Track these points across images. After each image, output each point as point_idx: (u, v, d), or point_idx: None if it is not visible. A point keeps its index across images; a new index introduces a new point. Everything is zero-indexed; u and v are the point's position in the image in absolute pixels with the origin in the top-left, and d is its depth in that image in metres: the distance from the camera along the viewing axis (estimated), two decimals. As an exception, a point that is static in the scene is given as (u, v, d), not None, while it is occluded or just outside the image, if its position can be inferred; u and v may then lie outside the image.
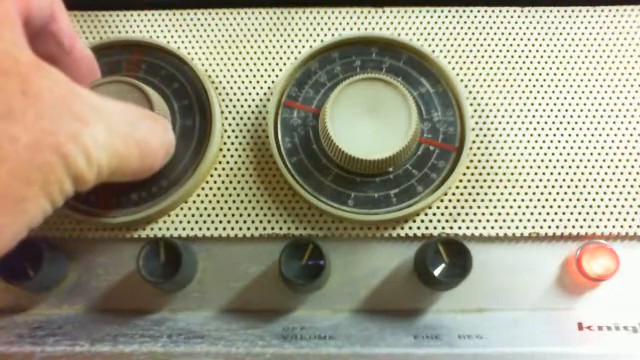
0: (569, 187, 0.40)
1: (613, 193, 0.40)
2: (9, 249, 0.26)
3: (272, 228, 0.40)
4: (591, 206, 0.40)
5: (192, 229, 0.40)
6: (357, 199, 0.40)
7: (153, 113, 0.37)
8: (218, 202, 0.41)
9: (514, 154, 0.41)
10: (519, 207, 0.40)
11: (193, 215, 0.40)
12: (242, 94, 0.43)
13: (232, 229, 0.40)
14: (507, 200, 0.40)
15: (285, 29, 0.44)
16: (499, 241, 0.40)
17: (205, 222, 0.40)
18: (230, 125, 0.42)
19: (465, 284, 0.37)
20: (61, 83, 0.27)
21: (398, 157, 0.38)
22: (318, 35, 0.44)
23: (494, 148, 0.41)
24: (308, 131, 0.41)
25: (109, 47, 0.43)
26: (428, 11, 0.44)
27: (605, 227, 0.40)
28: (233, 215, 0.40)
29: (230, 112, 0.42)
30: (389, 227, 0.40)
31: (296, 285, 0.37)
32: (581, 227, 0.40)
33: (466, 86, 0.43)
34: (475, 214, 0.40)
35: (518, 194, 0.40)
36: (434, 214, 0.40)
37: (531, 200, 0.40)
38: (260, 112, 0.42)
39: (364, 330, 0.37)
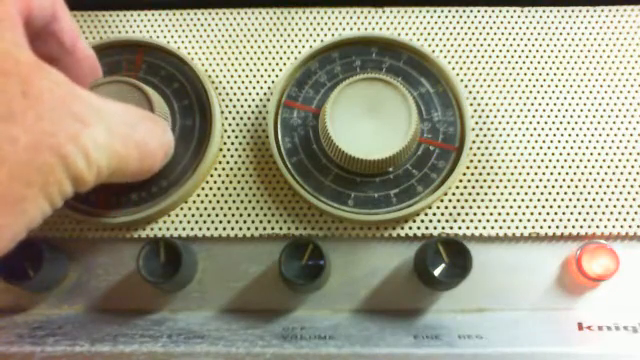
0: (569, 187, 0.40)
1: (613, 193, 0.40)
2: (8, 250, 0.26)
3: (272, 228, 0.40)
4: (591, 206, 0.40)
5: (192, 229, 0.40)
6: (357, 199, 0.40)
7: (153, 114, 0.37)
8: (218, 202, 0.41)
9: (514, 154, 0.41)
10: (519, 207, 0.40)
11: (193, 215, 0.40)
12: (242, 94, 0.43)
13: (232, 229, 0.40)
14: (507, 200, 0.40)
15: (285, 29, 0.44)
16: (499, 241, 0.40)
17: (205, 222, 0.40)
18: (230, 125, 0.42)
19: (465, 284, 0.37)
20: (61, 84, 0.27)
21: (398, 157, 0.38)
22: (318, 35, 0.44)
23: (494, 148, 0.41)
24: (308, 131, 0.41)
25: (109, 47, 0.43)
26: (428, 11, 0.44)
27: (605, 227, 0.40)
28: (233, 215, 0.40)
29: (230, 112, 0.42)
30: (389, 227, 0.40)
31: (296, 285, 0.37)
32: (581, 227, 0.40)
33: (466, 86, 0.43)
34: (475, 214, 0.40)
35: (518, 194, 0.40)
36: (434, 214, 0.40)
37: (531, 200, 0.40)
38: (260, 112, 0.42)
39: (364, 330, 0.37)
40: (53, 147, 0.25)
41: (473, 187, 0.40)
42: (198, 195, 0.41)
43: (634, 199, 0.40)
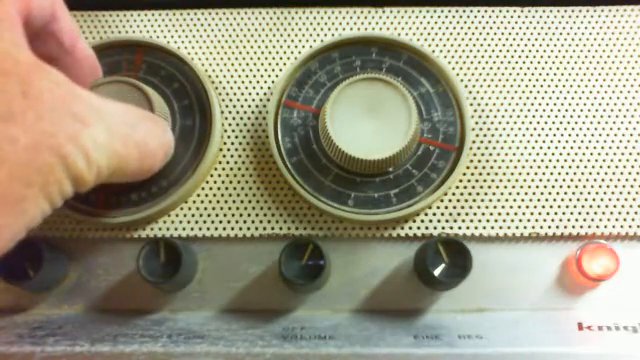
0: (569, 187, 0.40)
1: (613, 193, 0.40)
2: (8, 249, 0.26)
3: (272, 228, 0.40)
4: (591, 206, 0.40)
5: (192, 229, 0.40)
6: (357, 199, 0.40)
7: (153, 114, 0.37)
8: (218, 202, 0.41)
9: (514, 154, 0.41)
10: (519, 207, 0.40)
11: (193, 215, 0.40)
12: (242, 94, 0.43)
13: (232, 229, 0.40)
14: (507, 200, 0.40)
15: (285, 29, 0.44)
16: (499, 241, 0.40)
17: (205, 222, 0.40)
18: (230, 125, 0.42)
19: (465, 284, 0.37)
20: (61, 84, 0.27)
21: (398, 157, 0.38)
22: (318, 35, 0.44)
23: (494, 148, 0.41)
24: (308, 131, 0.41)
25: (109, 47, 0.43)
26: (428, 11, 0.44)
27: (605, 227, 0.40)
28: (233, 215, 0.40)
29: (230, 112, 0.42)
30: (389, 227, 0.40)
31: (296, 285, 0.37)
32: (581, 227, 0.40)
33: (466, 86, 0.43)
34: (475, 214, 0.40)
35: (518, 194, 0.40)
36: (434, 214, 0.40)
37: (531, 200, 0.40)
38: (260, 112, 0.42)
39: (364, 330, 0.37)
40: (53, 147, 0.25)
41: (473, 187, 0.40)
42: (198, 195, 0.41)
43: (634, 199, 0.40)
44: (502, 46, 0.43)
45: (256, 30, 0.44)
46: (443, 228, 0.40)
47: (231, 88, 0.43)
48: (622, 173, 0.41)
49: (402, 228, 0.40)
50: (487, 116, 0.42)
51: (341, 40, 0.43)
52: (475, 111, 0.42)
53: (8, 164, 0.24)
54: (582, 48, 0.43)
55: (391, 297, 0.40)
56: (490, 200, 0.40)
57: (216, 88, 0.43)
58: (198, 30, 0.44)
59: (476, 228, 0.40)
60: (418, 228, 0.40)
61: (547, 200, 0.40)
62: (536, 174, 0.41)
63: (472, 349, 0.35)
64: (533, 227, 0.40)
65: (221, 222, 0.40)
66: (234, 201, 0.41)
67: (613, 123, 0.42)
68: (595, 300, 0.39)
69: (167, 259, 0.37)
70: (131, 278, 0.40)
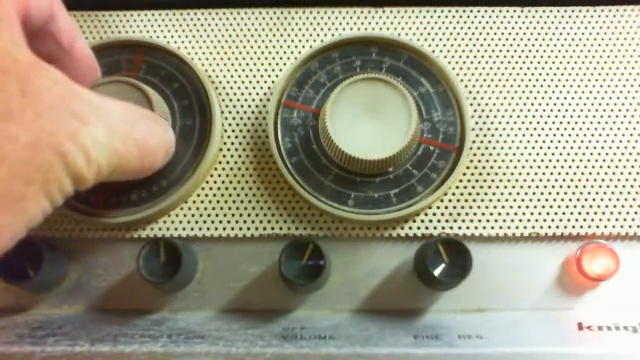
0: (569, 187, 0.40)
1: (613, 193, 0.40)
2: (8, 248, 0.26)
3: (272, 228, 0.40)
4: (591, 206, 0.40)
5: (192, 229, 0.40)
6: (357, 199, 0.40)
7: (153, 113, 0.37)
8: (218, 202, 0.41)
9: (514, 154, 0.41)
10: (519, 207, 0.40)
11: (193, 215, 0.40)
12: (242, 94, 0.43)
13: (232, 229, 0.40)
14: (507, 200, 0.40)
15: (285, 29, 0.44)
16: (499, 241, 0.40)
17: (205, 222, 0.40)
18: (230, 125, 0.42)
19: (465, 284, 0.37)
20: (60, 82, 0.27)
21: (398, 157, 0.38)
22: (318, 35, 0.44)
23: (494, 148, 0.41)
24: (308, 131, 0.41)
25: (109, 47, 0.43)
26: (428, 11, 0.44)
27: (605, 227, 0.40)
28: (233, 215, 0.40)
29: (230, 112, 0.42)
30: (389, 227, 0.40)
31: (296, 285, 0.37)
32: (581, 227, 0.40)
33: (466, 86, 0.43)
34: (475, 214, 0.40)
35: (518, 194, 0.40)
36: (434, 214, 0.40)
37: (531, 200, 0.40)
38: (260, 112, 0.42)
39: (364, 330, 0.37)
40: (53, 145, 0.25)
41: (473, 187, 0.40)
42: (198, 195, 0.41)
43: (634, 199, 0.40)
44: (502, 46, 0.43)
45: (256, 30, 0.44)
46: (443, 228, 0.40)
47: (231, 88, 0.43)
48: (622, 173, 0.41)
49: (402, 228, 0.40)
50: (487, 116, 0.42)
51: (341, 40, 0.43)
52: (475, 111, 0.42)
53: (8, 162, 0.24)
54: (582, 48, 0.43)
55: (391, 297, 0.40)
56: (490, 200, 0.40)
57: (216, 88, 0.43)
58: (198, 30, 0.44)
59: (476, 228, 0.40)
60: (418, 228, 0.40)
61: (547, 200, 0.40)
62: (536, 174, 0.41)
63: (472, 349, 0.35)
64: (533, 227, 0.40)
65: (221, 222, 0.40)
66: (234, 201, 0.41)
67: (613, 123, 0.42)
68: (595, 300, 0.39)
69: (167, 259, 0.37)
70: (131, 278, 0.40)
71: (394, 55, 0.43)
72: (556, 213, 0.40)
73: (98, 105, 0.28)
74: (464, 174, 0.41)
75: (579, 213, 0.40)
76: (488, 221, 0.40)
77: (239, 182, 0.41)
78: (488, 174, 0.41)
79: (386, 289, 0.40)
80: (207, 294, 0.40)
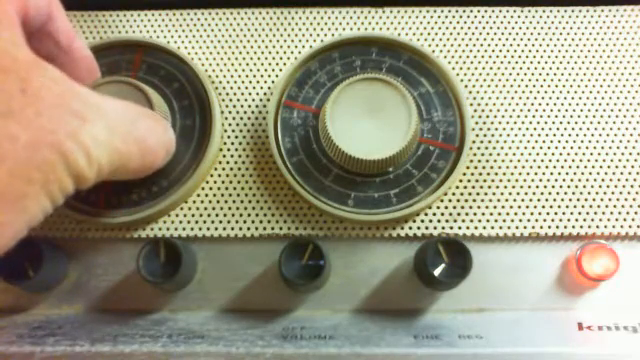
0: (569, 187, 0.40)
1: (613, 193, 0.40)
2: (9, 248, 0.26)
3: (272, 228, 0.40)
4: (591, 206, 0.40)
5: (192, 229, 0.40)
6: (357, 199, 0.40)
7: (153, 112, 0.37)
8: (218, 202, 0.41)
9: (514, 154, 0.41)
10: (519, 207, 0.40)
11: (193, 215, 0.40)
12: (242, 94, 0.43)
13: (232, 229, 0.40)
14: (507, 200, 0.40)
15: (285, 29, 0.44)
16: (499, 241, 0.40)
17: (205, 222, 0.40)
18: (230, 125, 0.42)
19: (465, 284, 0.37)
20: (60, 81, 0.27)
21: (398, 157, 0.38)
22: (318, 35, 0.44)
23: (494, 148, 0.41)
24: (308, 131, 0.41)
25: (109, 47, 0.43)
26: (428, 11, 0.44)
27: (605, 227, 0.40)
28: (233, 215, 0.40)
29: (230, 112, 0.42)
30: (389, 227, 0.40)
31: (296, 285, 0.37)
32: (581, 227, 0.40)
33: (466, 86, 0.43)
34: (475, 214, 0.40)
35: (518, 194, 0.40)
36: (434, 214, 0.40)
37: (531, 200, 0.40)
38: (260, 112, 0.42)
39: (364, 330, 0.37)
40: (53, 144, 0.25)
41: (473, 187, 0.40)
42: (198, 195, 0.41)
43: (634, 199, 0.40)
44: (502, 46, 0.44)
45: (256, 30, 0.44)
46: (443, 228, 0.40)
47: (231, 88, 0.43)
48: (622, 173, 0.41)
49: (402, 228, 0.40)
50: (487, 116, 0.42)
51: (341, 40, 0.43)
52: (475, 111, 0.42)
53: (8, 161, 0.24)
54: (582, 48, 0.43)
55: (391, 297, 0.40)
56: (490, 200, 0.40)
57: (216, 88, 0.43)
58: (198, 30, 0.44)
59: (476, 228, 0.40)
60: (418, 228, 0.40)
61: (547, 200, 0.40)
62: (536, 174, 0.41)
63: (472, 349, 0.35)
64: (533, 227, 0.40)
65: (221, 222, 0.40)
66: (234, 201, 0.40)
67: (613, 123, 0.42)
68: (595, 300, 0.39)
69: (167, 259, 0.37)
70: (131, 278, 0.40)
71: (394, 55, 0.43)
72: (556, 213, 0.40)
73: (98, 104, 0.28)
74: (464, 174, 0.41)
75: (579, 213, 0.40)
76: (488, 221, 0.40)
77: (239, 182, 0.41)
78: (488, 174, 0.41)
79: (386, 289, 0.40)
80: (207, 294, 0.40)
